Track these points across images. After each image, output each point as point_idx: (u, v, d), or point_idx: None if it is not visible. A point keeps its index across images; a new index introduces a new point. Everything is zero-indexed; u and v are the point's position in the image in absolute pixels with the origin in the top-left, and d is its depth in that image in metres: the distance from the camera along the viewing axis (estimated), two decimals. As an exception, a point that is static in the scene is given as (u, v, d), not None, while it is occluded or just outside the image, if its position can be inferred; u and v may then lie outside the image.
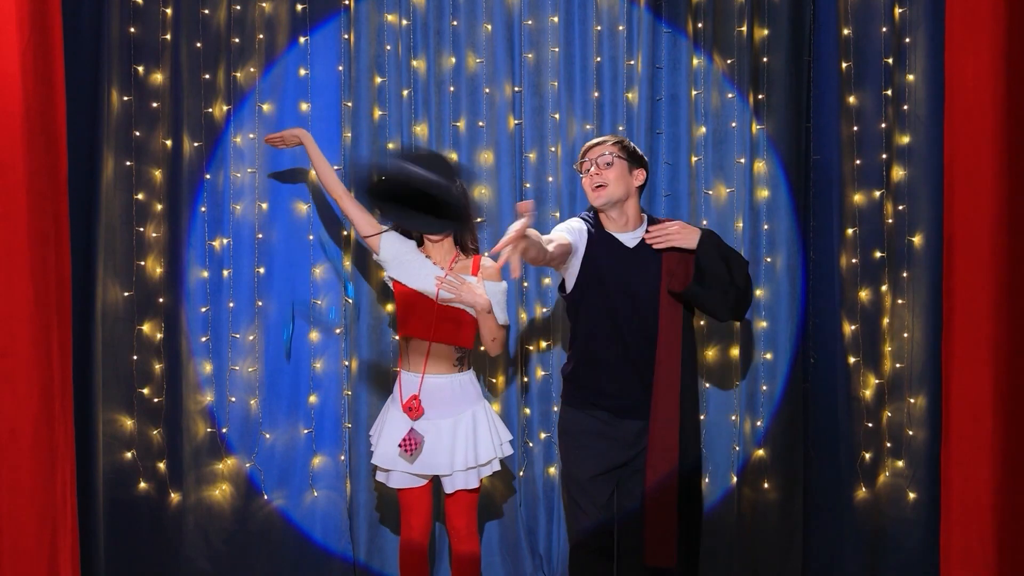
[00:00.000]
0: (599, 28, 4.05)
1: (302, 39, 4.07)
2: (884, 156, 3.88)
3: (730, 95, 4.06)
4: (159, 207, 4.02)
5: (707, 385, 4.06)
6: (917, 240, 3.78)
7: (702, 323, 4.04)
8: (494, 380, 4.07)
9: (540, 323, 4.08)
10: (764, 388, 4.05)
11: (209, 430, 4.05)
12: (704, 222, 4.05)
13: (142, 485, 3.99)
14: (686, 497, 3.23)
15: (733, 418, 4.04)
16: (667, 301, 3.23)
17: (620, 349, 3.23)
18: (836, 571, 3.92)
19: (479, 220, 4.03)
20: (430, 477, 3.46)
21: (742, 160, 4.03)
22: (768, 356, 4.06)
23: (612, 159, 3.26)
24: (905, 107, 3.81)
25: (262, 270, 4.07)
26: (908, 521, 3.78)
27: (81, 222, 3.82)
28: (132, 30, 3.97)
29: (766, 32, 4.05)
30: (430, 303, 3.42)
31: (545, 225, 4.07)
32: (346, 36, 4.05)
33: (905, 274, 3.82)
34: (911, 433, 3.80)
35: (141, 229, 3.99)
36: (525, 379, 4.08)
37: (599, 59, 4.05)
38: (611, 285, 3.23)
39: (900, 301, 3.84)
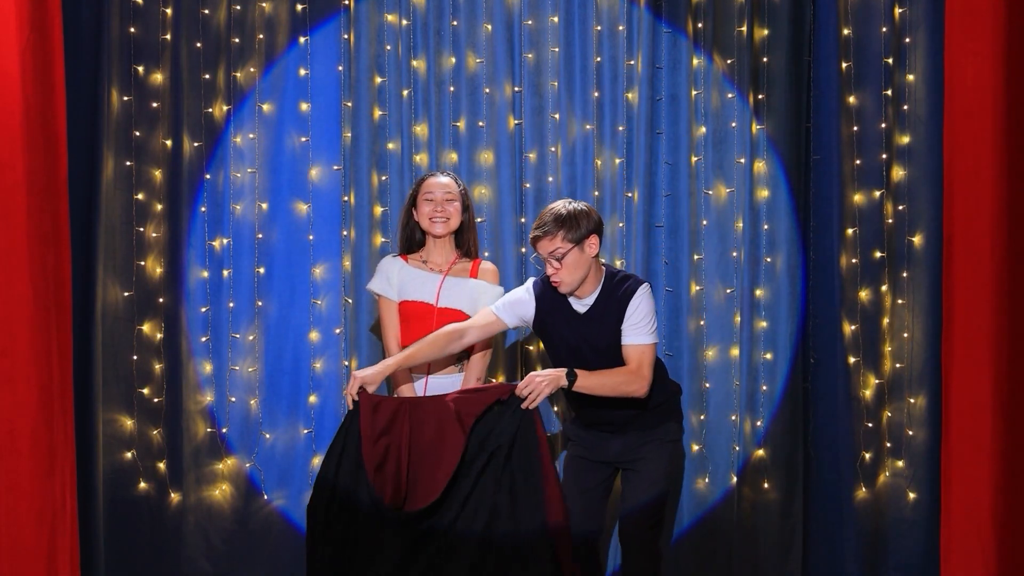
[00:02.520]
0: (599, 28, 4.05)
1: (302, 39, 4.07)
2: (884, 156, 3.88)
3: (730, 95, 4.06)
4: (159, 207, 4.02)
5: (707, 385, 4.05)
6: (917, 240, 3.78)
7: (702, 323, 4.04)
8: (494, 380, 4.07)
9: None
10: (764, 388, 4.04)
11: (209, 430, 4.05)
12: (704, 222, 4.05)
13: (142, 485, 3.99)
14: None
15: (733, 418, 4.03)
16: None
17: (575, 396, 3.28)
18: (836, 571, 3.92)
19: (479, 220, 4.03)
20: None
21: (742, 160, 4.03)
22: (768, 356, 4.05)
23: (563, 251, 3.13)
24: (905, 107, 3.82)
25: (262, 270, 4.07)
26: (908, 521, 3.78)
27: (81, 222, 3.82)
28: (132, 30, 3.97)
29: (766, 32, 4.05)
30: (429, 309, 3.42)
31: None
32: (346, 36, 4.05)
33: (905, 274, 3.83)
34: (911, 433, 3.80)
35: (141, 229, 3.99)
36: (525, 379, 4.08)
37: (599, 59, 4.05)
38: (559, 346, 3.28)
39: (900, 301, 3.84)
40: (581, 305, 3.25)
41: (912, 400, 3.79)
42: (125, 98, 3.97)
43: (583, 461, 3.39)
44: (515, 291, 3.37)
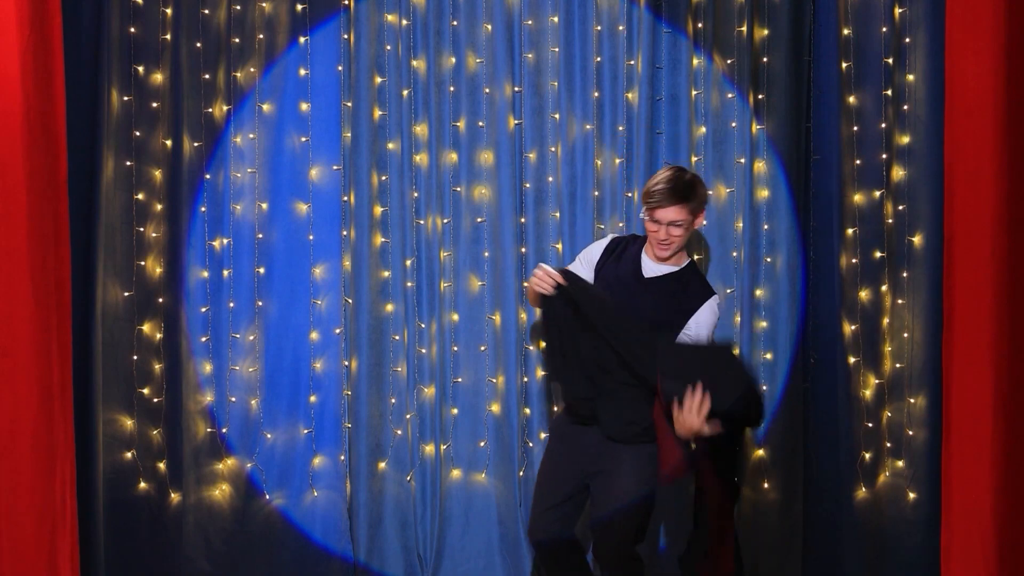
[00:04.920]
0: (599, 28, 4.05)
1: (302, 39, 4.07)
2: (884, 156, 3.88)
3: (730, 95, 4.06)
4: (159, 207, 4.02)
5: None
6: (917, 240, 3.78)
7: (702, 323, 4.03)
8: (494, 380, 4.07)
9: (540, 323, 4.07)
10: (764, 388, 4.04)
11: (209, 430, 4.06)
12: (704, 222, 4.04)
13: (142, 485, 3.99)
14: None
15: (733, 418, 4.03)
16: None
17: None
18: (836, 571, 3.92)
19: (479, 220, 4.04)
20: None
21: (742, 160, 4.03)
22: (768, 356, 4.06)
23: (686, 222, 3.17)
24: (905, 107, 3.82)
25: (262, 270, 4.07)
26: (908, 521, 3.78)
27: (81, 222, 3.82)
28: (132, 30, 3.97)
29: (766, 32, 4.05)
30: None
31: (545, 226, 4.07)
32: (346, 36, 4.06)
33: (905, 274, 3.83)
34: (911, 433, 3.80)
35: (141, 229, 3.99)
36: (525, 379, 4.08)
37: (599, 59, 4.05)
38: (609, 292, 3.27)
39: (900, 301, 3.84)
40: (652, 268, 3.27)
41: (912, 400, 3.79)
42: (125, 98, 3.97)
43: (557, 466, 3.33)
44: (598, 242, 3.45)
